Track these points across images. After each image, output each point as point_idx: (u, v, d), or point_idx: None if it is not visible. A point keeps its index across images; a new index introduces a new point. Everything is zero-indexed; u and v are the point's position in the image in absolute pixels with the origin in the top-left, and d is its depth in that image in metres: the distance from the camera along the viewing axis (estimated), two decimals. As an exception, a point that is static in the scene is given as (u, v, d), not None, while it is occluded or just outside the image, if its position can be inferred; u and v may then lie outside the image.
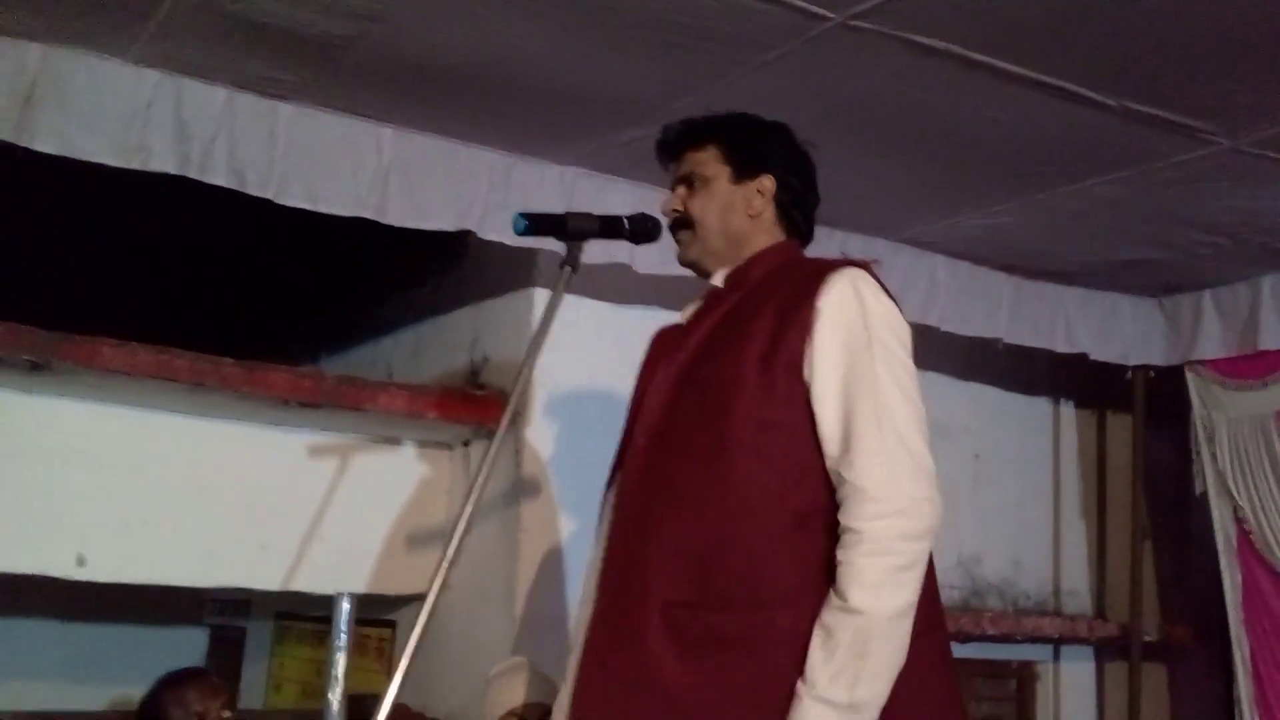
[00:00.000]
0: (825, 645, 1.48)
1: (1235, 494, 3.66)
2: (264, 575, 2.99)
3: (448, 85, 2.53)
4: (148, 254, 4.30)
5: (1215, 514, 3.72)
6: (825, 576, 1.54)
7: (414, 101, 2.63)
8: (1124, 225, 3.18)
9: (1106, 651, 4.14)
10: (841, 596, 1.49)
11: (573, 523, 3.02)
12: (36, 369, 2.53)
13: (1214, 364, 3.71)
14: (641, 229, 1.84)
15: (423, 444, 3.26)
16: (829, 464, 1.56)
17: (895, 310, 1.65)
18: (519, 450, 3.07)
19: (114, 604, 4.23)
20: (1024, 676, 4.12)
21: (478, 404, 3.11)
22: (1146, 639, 3.95)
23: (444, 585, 1.51)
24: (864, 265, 1.69)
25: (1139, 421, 3.97)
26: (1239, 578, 3.66)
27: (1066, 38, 2.18)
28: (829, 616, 1.49)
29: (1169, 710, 4.17)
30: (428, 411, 2.98)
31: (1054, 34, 2.16)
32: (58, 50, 2.41)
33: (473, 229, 2.84)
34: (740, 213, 1.77)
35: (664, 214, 1.82)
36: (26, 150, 2.38)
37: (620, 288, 3.16)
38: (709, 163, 1.78)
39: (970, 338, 3.59)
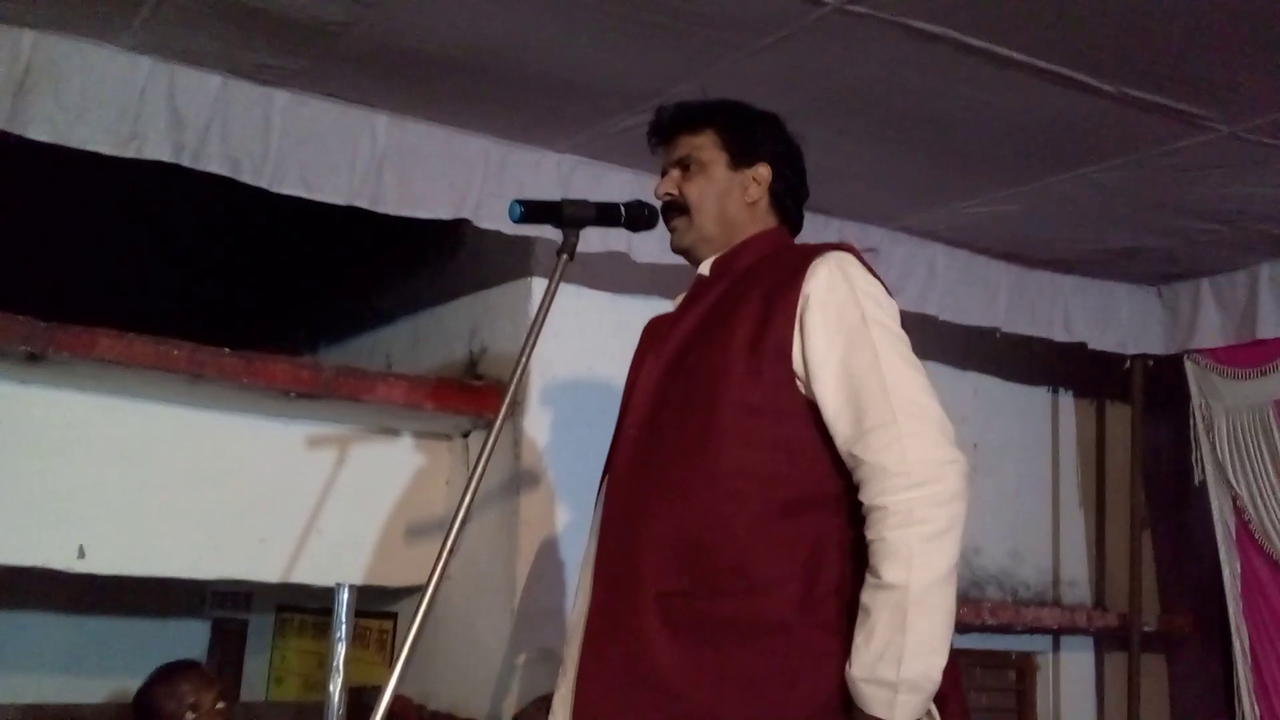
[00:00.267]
0: (864, 626, 1.47)
1: (1234, 483, 3.65)
2: (263, 567, 3.00)
3: (442, 72, 2.52)
4: (145, 244, 4.30)
5: (1214, 503, 3.72)
6: (817, 562, 1.54)
7: (409, 88, 2.63)
8: (1122, 212, 3.18)
9: (1106, 641, 4.14)
10: (875, 574, 1.47)
11: (572, 513, 3.02)
12: (33, 359, 2.52)
13: (1213, 353, 3.71)
14: (639, 216, 1.83)
15: (421, 435, 3.26)
16: (841, 446, 1.54)
17: (882, 288, 1.65)
18: (518, 441, 3.07)
19: (116, 597, 4.25)
20: (1023, 667, 4.12)
21: (476, 394, 3.10)
22: (1146, 629, 3.95)
23: (443, 576, 1.51)
24: (848, 248, 1.69)
25: (1138, 411, 3.97)
26: (1238, 567, 3.66)
27: (1064, 23, 2.17)
28: (865, 596, 1.48)
29: (1169, 700, 4.17)
30: (426, 402, 2.98)
31: (1052, 19, 2.15)
32: (50, 37, 2.40)
33: (468, 217, 2.83)
34: (737, 199, 1.76)
35: (657, 197, 1.81)
36: (20, 138, 2.37)
37: (618, 277, 3.16)
38: (706, 147, 1.77)
39: (968, 327, 3.58)
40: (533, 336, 1.66)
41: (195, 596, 4.63)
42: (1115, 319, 3.79)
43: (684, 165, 1.78)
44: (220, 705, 2.61)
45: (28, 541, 2.68)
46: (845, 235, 3.28)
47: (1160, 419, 4.01)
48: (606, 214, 1.81)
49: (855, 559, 1.53)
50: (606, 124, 2.76)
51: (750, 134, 1.78)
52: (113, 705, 3.25)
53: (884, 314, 1.61)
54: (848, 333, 1.57)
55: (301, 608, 4.02)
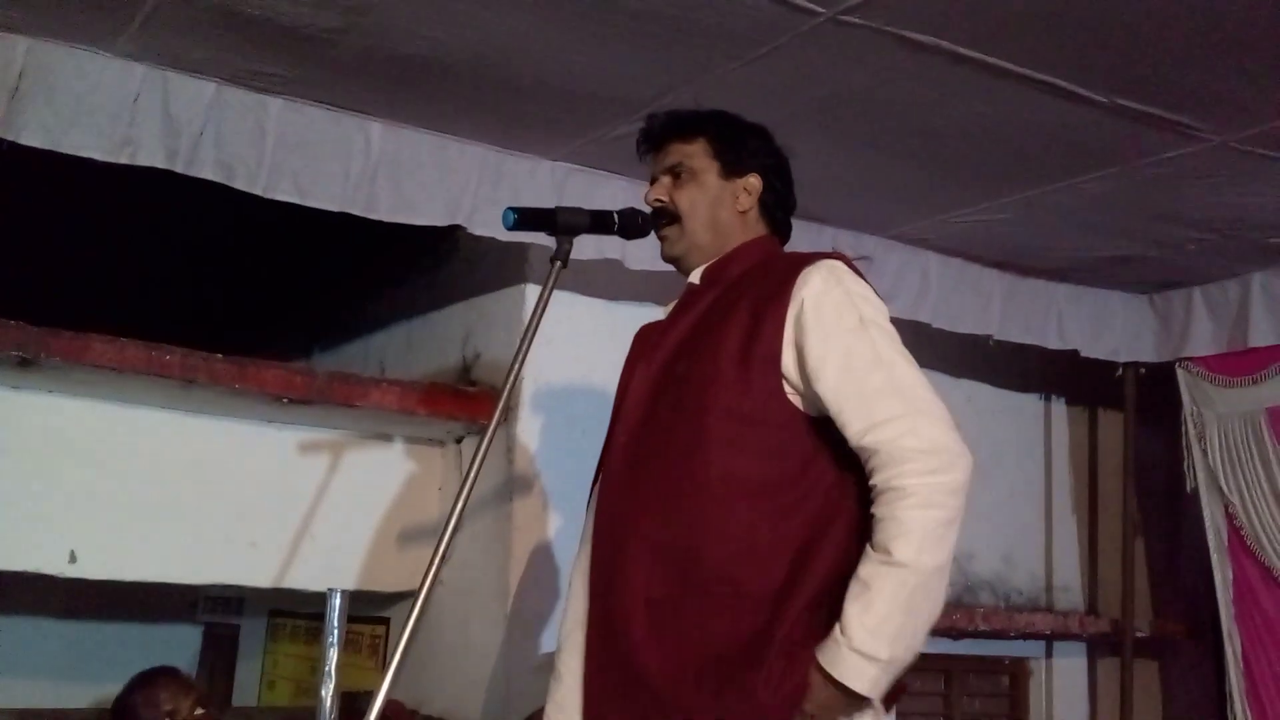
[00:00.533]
0: (861, 597, 1.46)
1: (1226, 490, 3.67)
2: (255, 572, 2.99)
3: (437, 79, 2.52)
4: (138, 249, 4.29)
5: (1206, 510, 3.73)
6: (805, 569, 1.54)
7: (402, 96, 2.63)
8: (1114, 221, 3.19)
9: (1099, 647, 4.15)
10: (883, 550, 1.47)
11: (564, 519, 3.02)
12: (26, 364, 2.52)
13: (1204, 361, 3.72)
14: (632, 224, 1.83)
15: (414, 440, 3.26)
16: (852, 440, 1.54)
17: (874, 293, 1.66)
18: (511, 447, 3.07)
19: (108, 602, 4.24)
20: (1017, 672, 4.13)
21: (469, 400, 3.10)
22: (1138, 634, 3.96)
23: (436, 581, 1.51)
24: (839, 256, 1.70)
25: (1130, 418, 3.98)
26: (1230, 573, 3.67)
27: (1056, 33, 2.18)
28: (866, 570, 1.47)
29: (1161, 705, 4.18)
30: (419, 408, 2.98)
31: (1044, 29, 2.16)
32: (44, 44, 2.40)
33: (462, 224, 2.84)
34: (729, 208, 1.77)
35: (648, 202, 1.81)
36: (13, 144, 2.37)
37: (612, 284, 3.16)
38: (698, 156, 1.78)
39: (961, 335, 3.59)
40: (526, 343, 1.66)
41: (187, 601, 4.63)
42: (1108, 327, 3.81)
43: (675, 173, 1.79)
44: (199, 712, 2.60)
45: (19, 547, 2.68)
46: (839, 243, 3.29)
47: (1152, 426, 4.03)
48: (600, 221, 1.81)
49: (843, 566, 1.54)
50: (600, 132, 2.76)
51: (742, 144, 1.79)
52: (104, 710, 3.24)
53: (880, 316, 1.62)
54: (847, 333, 1.58)
55: (294, 613, 4.01)
